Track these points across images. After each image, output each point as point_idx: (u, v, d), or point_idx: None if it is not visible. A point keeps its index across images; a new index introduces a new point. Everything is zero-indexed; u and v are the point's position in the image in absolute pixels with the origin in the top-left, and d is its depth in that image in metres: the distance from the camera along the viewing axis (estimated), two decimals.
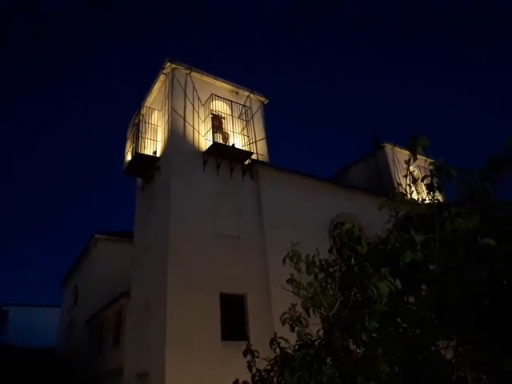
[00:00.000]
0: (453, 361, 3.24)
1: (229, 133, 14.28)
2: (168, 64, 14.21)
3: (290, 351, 3.27)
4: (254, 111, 15.41)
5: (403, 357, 3.00)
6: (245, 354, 3.52)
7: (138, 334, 12.35)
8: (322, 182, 15.78)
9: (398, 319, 3.14)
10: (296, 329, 3.13)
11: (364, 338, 2.59)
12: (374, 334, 2.63)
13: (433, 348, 3.20)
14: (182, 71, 14.48)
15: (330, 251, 3.24)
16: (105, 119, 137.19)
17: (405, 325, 3.17)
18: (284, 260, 3.37)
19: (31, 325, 28.47)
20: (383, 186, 18.42)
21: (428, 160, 15.01)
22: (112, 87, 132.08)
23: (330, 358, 2.83)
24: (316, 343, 3.04)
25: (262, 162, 14.38)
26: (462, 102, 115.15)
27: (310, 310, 3.11)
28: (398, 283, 2.60)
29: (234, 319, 11.43)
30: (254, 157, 14.04)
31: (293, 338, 3.40)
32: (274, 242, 12.48)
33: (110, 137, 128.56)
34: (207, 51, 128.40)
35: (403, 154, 19.39)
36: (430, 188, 3.00)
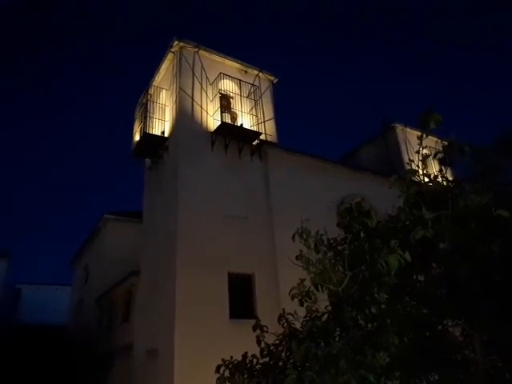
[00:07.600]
0: (460, 339, 3.24)
1: (237, 113, 14.13)
2: (176, 42, 14.03)
3: (297, 327, 3.30)
4: (262, 90, 15.22)
5: (411, 334, 3.00)
6: (254, 328, 3.58)
7: (147, 311, 12.57)
8: (330, 164, 15.65)
9: (407, 298, 3.13)
10: (305, 304, 3.14)
11: (373, 311, 2.58)
12: (383, 306, 2.63)
13: (440, 327, 3.19)
14: (190, 49, 14.29)
15: (339, 226, 3.22)
16: (107, 102, 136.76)
17: (413, 302, 3.16)
18: (293, 237, 3.36)
19: (43, 303, 28.96)
20: (393, 168, 18.20)
21: (439, 141, 14.80)
22: (115, 69, 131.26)
23: (338, 331, 2.84)
24: (324, 317, 3.06)
25: (271, 142, 14.25)
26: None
27: (319, 286, 3.12)
28: (407, 256, 2.57)
29: (241, 298, 11.56)
30: (262, 137, 13.92)
31: (301, 315, 3.41)
32: (281, 223, 12.49)
33: (114, 120, 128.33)
34: (214, 33, 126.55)
35: (415, 134, 19.00)
36: (443, 163, 2.94)
